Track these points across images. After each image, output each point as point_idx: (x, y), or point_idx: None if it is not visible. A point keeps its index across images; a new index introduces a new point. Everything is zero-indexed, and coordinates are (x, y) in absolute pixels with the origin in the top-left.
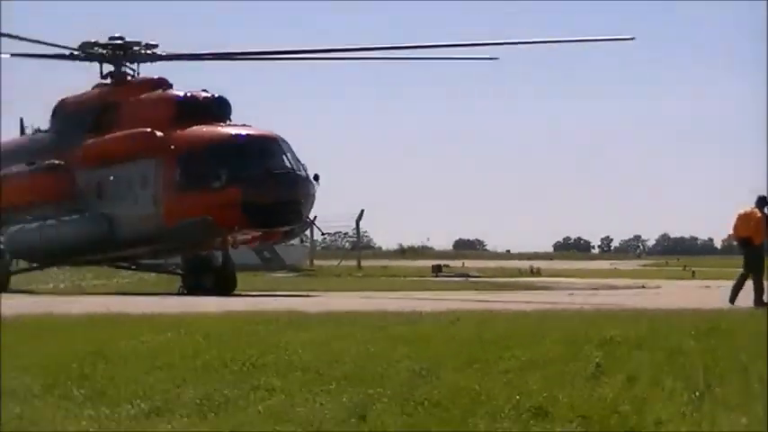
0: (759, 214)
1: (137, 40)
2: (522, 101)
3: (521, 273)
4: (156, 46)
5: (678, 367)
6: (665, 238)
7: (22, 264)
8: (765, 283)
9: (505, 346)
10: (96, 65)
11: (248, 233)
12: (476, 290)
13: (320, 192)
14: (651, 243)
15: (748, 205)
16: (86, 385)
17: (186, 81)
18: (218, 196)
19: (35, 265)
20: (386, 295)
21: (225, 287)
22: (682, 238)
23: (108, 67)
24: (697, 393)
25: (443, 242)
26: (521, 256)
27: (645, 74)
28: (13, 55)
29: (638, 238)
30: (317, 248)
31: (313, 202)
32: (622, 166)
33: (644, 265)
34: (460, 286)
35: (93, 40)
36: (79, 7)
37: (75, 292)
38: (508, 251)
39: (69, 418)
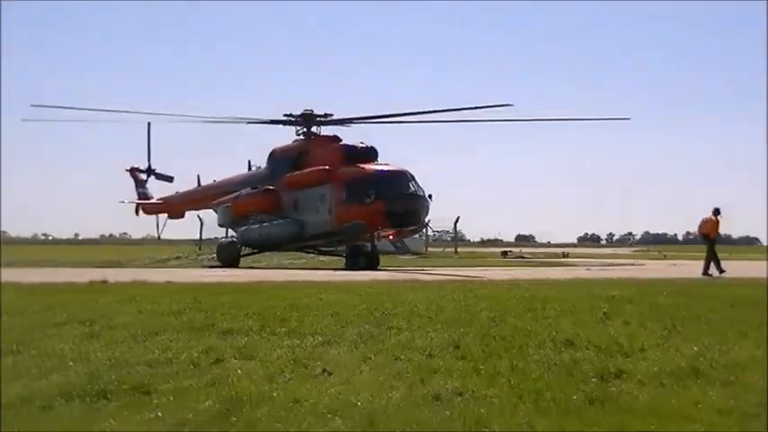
0: (714, 219)
1: (320, 111)
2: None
3: (557, 255)
4: (331, 115)
5: (655, 314)
6: (647, 233)
7: (247, 250)
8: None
9: (546, 301)
10: (294, 128)
11: (387, 231)
12: (529, 266)
13: (432, 205)
14: (638, 237)
15: (707, 213)
16: (285, 326)
17: (351, 136)
18: (368, 208)
19: (255, 251)
20: (471, 270)
21: (372, 265)
22: (658, 234)
23: (301, 129)
24: (667, 331)
25: (509, 236)
26: (557, 245)
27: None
28: (248, 122)
29: (630, 233)
30: (430, 240)
31: (428, 211)
32: (621, 183)
33: (634, 251)
34: (519, 264)
35: (292, 113)
36: (284, 89)
37: (279, 267)
38: (549, 242)
39: (275, 347)
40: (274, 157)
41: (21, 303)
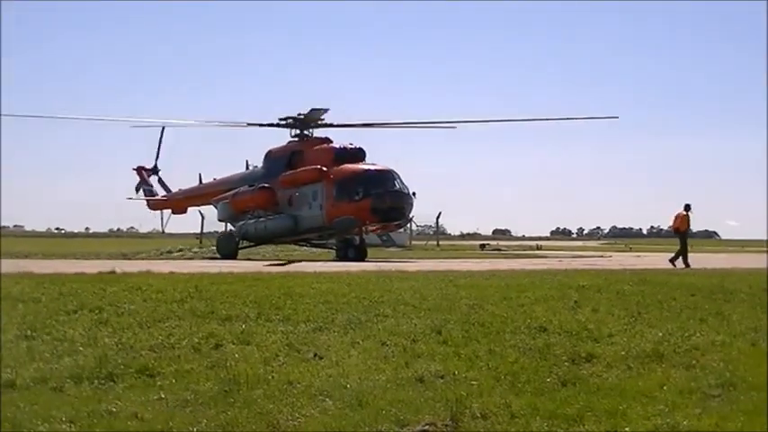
0: (684, 214)
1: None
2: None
3: (531, 248)
4: (323, 119)
5: (622, 302)
6: (614, 227)
7: (245, 243)
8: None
9: (522, 290)
10: (288, 130)
11: (374, 225)
12: (505, 258)
13: (416, 202)
14: (606, 231)
15: (679, 209)
16: (280, 313)
17: (341, 137)
18: (357, 204)
19: (252, 244)
20: (452, 262)
21: (361, 257)
22: (624, 228)
23: (295, 131)
24: (632, 317)
25: (487, 230)
26: (531, 239)
27: None
28: (248, 124)
29: (598, 227)
30: (414, 234)
31: (412, 207)
32: (588, 183)
33: (602, 244)
34: (496, 256)
35: (287, 116)
36: (280, 93)
37: (274, 259)
38: (524, 235)
39: (270, 333)
40: (270, 157)
41: (36, 292)
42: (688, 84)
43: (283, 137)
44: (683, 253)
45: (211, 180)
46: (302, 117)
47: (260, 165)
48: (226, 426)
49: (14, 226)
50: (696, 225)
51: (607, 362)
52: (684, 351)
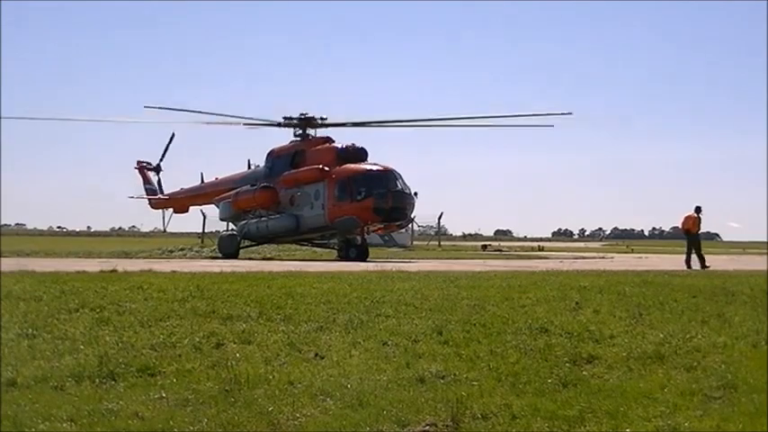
0: (695, 216)
1: (315, 115)
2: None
3: (532, 249)
4: (325, 118)
5: (623, 303)
6: (616, 229)
7: (246, 243)
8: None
9: (523, 290)
10: (291, 130)
11: (376, 226)
12: (506, 258)
13: (418, 202)
14: (608, 232)
15: (689, 211)
16: (281, 313)
17: (343, 137)
18: (359, 204)
19: (254, 243)
20: (454, 262)
21: (362, 257)
22: (626, 229)
23: (298, 131)
24: (634, 319)
25: (489, 230)
26: (532, 239)
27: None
28: (246, 125)
29: (600, 228)
30: (416, 234)
31: (413, 208)
32: (590, 184)
33: (604, 245)
34: (498, 256)
35: (290, 116)
36: (281, 95)
37: (275, 258)
38: (525, 236)
39: (272, 332)
40: (272, 156)
41: (37, 290)
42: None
43: (286, 137)
44: (697, 253)
45: (213, 179)
46: (304, 117)
47: (262, 164)
48: (227, 425)
49: (16, 224)
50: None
51: (608, 363)
52: (686, 352)
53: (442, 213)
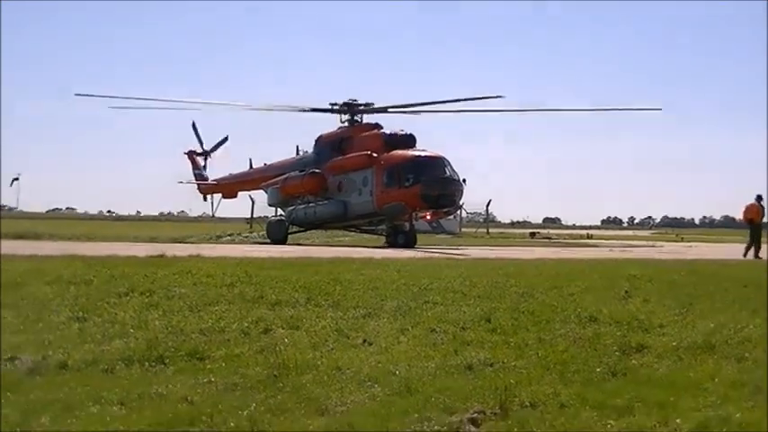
0: (757, 205)
1: (363, 101)
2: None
3: (581, 237)
4: (373, 104)
5: (673, 293)
6: (666, 217)
7: (294, 228)
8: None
9: (571, 279)
10: (338, 115)
11: (424, 212)
12: (555, 246)
13: (466, 189)
14: (658, 220)
15: (751, 200)
16: (329, 299)
17: (392, 123)
18: (407, 191)
19: (302, 229)
20: (502, 249)
21: (410, 244)
22: (676, 218)
23: (345, 117)
24: (684, 308)
25: (537, 218)
26: (581, 227)
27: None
28: (298, 110)
29: (650, 217)
30: (464, 221)
31: (462, 194)
32: (641, 171)
33: (653, 234)
34: (546, 244)
35: (337, 101)
36: (329, 80)
37: (324, 244)
38: (574, 224)
39: (319, 318)
40: (320, 142)
41: (87, 274)
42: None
43: (333, 124)
44: (754, 244)
45: (261, 165)
46: (352, 102)
47: (310, 150)
48: (274, 410)
49: (67, 208)
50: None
51: (658, 353)
52: (736, 343)
53: (490, 200)
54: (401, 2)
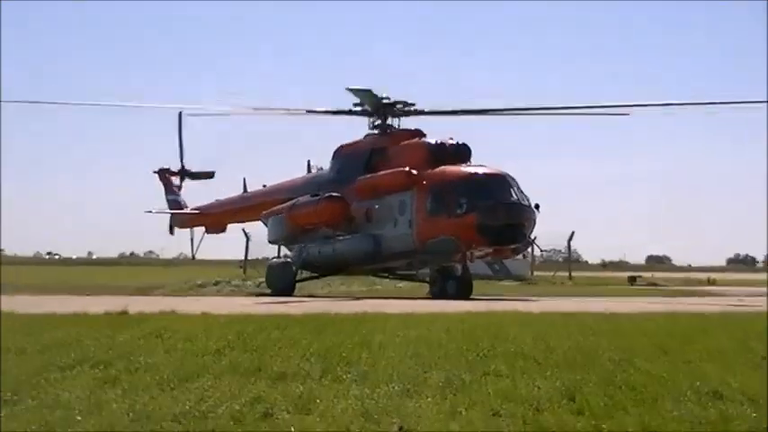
0: None
1: (400, 99)
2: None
3: (700, 282)
4: (413, 104)
5: None
6: None
7: (305, 273)
8: None
9: (687, 340)
10: (366, 120)
11: (483, 250)
12: (663, 296)
13: (540, 217)
14: None
15: None
16: (352, 370)
17: (437, 130)
18: (459, 221)
19: (315, 274)
20: (590, 300)
21: (464, 293)
22: None
23: (375, 121)
24: None
25: (638, 257)
26: (699, 269)
27: None
28: (308, 111)
29: None
30: (537, 262)
31: (534, 225)
32: None
33: None
34: (651, 292)
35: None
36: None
37: (346, 295)
38: (689, 265)
39: (339, 398)
40: (341, 155)
41: (19, 340)
42: None
43: (358, 131)
44: None
45: (260, 187)
46: (387, 102)
47: (326, 166)
48: None
49: None
50: None
51: None
52: None
53: (573, 233)
54: None
